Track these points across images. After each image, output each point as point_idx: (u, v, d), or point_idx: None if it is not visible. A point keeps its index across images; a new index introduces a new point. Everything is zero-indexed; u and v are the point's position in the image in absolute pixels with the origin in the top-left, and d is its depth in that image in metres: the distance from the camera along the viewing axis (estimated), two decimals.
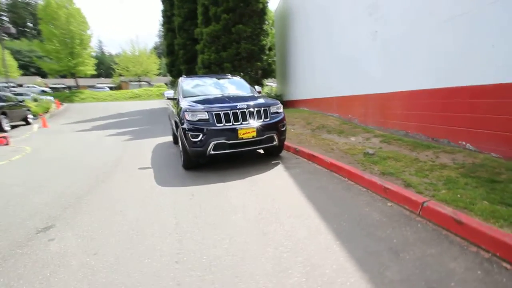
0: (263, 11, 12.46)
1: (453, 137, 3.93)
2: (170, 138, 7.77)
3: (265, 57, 13.03)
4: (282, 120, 4.32)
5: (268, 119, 4.14)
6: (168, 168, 4.59)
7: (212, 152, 3.89)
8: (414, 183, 2.88)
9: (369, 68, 6.04)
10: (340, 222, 2.32)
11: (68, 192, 3.58)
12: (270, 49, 13.48)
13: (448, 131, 4.02)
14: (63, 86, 38.16)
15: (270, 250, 1.96)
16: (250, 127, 3.92)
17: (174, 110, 5.36)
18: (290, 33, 13.17)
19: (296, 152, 4.90)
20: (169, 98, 5.12)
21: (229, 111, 3.90)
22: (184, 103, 4.36)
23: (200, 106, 4.00)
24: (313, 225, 2.31)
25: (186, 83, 5.38)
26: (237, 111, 3.93)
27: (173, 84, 18.94)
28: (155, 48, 49.27)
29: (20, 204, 3.28)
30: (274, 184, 3.47)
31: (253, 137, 3.96)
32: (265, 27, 12.71)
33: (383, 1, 5.43)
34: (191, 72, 16.15)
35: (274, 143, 4.25)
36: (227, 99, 4.44)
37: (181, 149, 4.53)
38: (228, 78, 6.02)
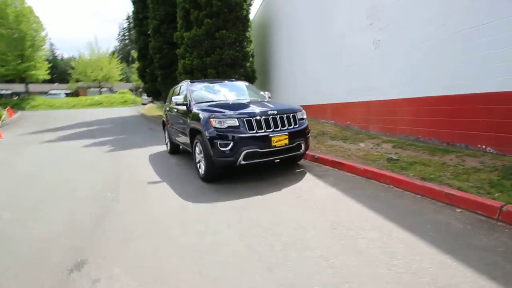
0: (246, 18, 12.38)
1: (471, 141, 4.13)
2: (160, 148, 7.18)
3: (248, 64, 12.90)
4: (307, 126, 4.17)
5: (297, 126, 3.95)
6: (181, 181, 4.13)
7: (243, 162, 3.57)
8: (463, 188, 2.90)
9: (371, 76, 6.21)
10: (428, 232, 2.20)
11: (78, 217, 2.98)
12: (252, 56, 13.41)
13: (465, 135, 4.22)
14: (9, 92, 33.87)
15: (384, 272, 1.75)
16: (282, 134, 3.69)
17: (179, 117, 4.92)
18: (271, 41, 13.27)
19: (315, 159, 4.76)
20: (178, 104, 4.65)
21: (260, 117, 3.63)
22: (203, 109, 3.98)
23: (228, 112, 3.66)
24: (403, 238, 2.15)
25: (195, 87, 4.97)
26: (268, 117, 3.68)
27: (140, 90, 17.85)
28: (117, 51, 46.35)
29: (23, 235, 2.63)
30: (319, 194, 3.26)
31: (285, 144, 3.73)
32: (248, 34, 12.62)
33: (394, 13, 5.65)
34: (167, 78, 15.40)
35: (301, 150, 4.07)
36: (248, 104, 4.16)
37: (197, 159, 4.12)
38: (235, 82, 5.72)
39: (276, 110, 3.78)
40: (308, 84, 9.35)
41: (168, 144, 6.39)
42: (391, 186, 3.33)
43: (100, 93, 39.15)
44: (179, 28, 12.98)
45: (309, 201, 3.05)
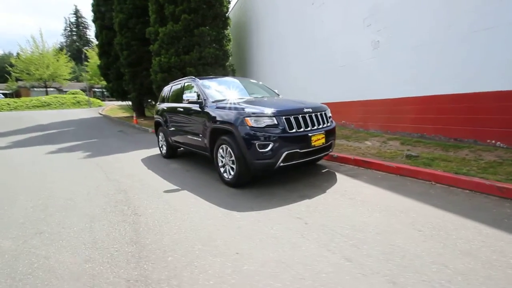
0: (226, 15, 12.01)
1: (480, 137, 4.40)
2: (149, 152, 6.54)
3: (227, 63, 12.52)
4: (335, 125, 4.05)
5: (329, 124, 3.80)
6: (203, 187, 3.70)
7: (282, 164, 3.29)
8: (501, 181, 3.02)
9: (370, 76, 6.36)
10: (510, 226, 2.19)
11: (106, 240, 2.42)
12: (231, 55, 13.04)
13: (473, 131, 4.49)
14: None
15: None
16: (320, 133, 3.50)
17: (188, 117, 4.46)
18: (250, 41, 13.04)
19: (334, 158, 4.67)
20: (191, 102, 4.18)
21: (298, 116, 3.39)
22: (230, 107, 3.61)
23: (266, 110, 3.34)
24: (496, 235, 2.09)
25: (207, 83, 4.53)
26: (305, 115, 3.46)
27: (93, 90, 16.26)
28: (65, 48, 41.87)
29: (47, 271, 2.02)
30: (368, 194, 3.13)
31: (322, 144, 3.55)
32: (226, 32, 12.26)
33: (394, 15, 5.82)
34: (137, 77, 14.25)
35: (330, 150, 3.94)
36: (277, 101, 3.90)
37: (221, 163, 3.73)
38: (243, 78, 5.37)
39: (310, 107, 3.58)
40: (292, 85, 9.34)
41: (164, 147, 5.78)
42: (433, 183, 3.35)
43: (47, 93, 34.93)
44: (152, 23, 12.09)
45: (366, 202, 2.89)
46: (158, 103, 6.24)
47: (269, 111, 3.30)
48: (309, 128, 3.42)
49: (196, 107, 4.25)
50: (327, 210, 2.73)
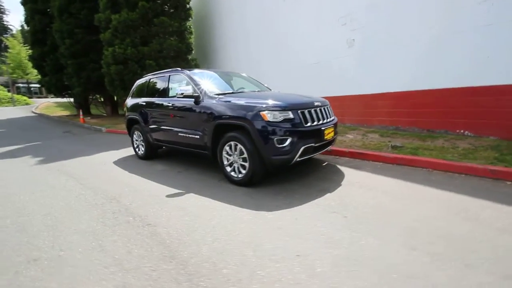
0: (188, 6, 11.34)
1: (450, 127, 4.97)
2: (117, 154, 5.88)
3: (190, 57, 11.90)
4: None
5: (334, 118, 3.84)
6: (210, 188, 3.40)
7: (298, 159, 3.21)
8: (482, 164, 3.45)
9: (345, 73, 6.68)
10: None
11: (122, 256, 2.02)
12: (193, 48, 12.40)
13: (444, 123, 5.05)
14: None
15: None
16: (331, 127, 3.51)
17: (180, 113, 4.07)
18: (212, 35, 12.54)
19: (329, 152, 4.76)
20: (186, 96, 3.77)
21: (311, 110, 3.33)
22: (237, 102, 3.37)
23: (281, 103, 3.19)
24: None
25: (198, 76, 4.15)
26: (316, 108, 3.42)
27: (16, 86, 14.09)
28: None
29: None
30: (383, 184, 3.24)
31: (332, 137, 3.57)
32: (188, 24, 11.62)
33: (368, 15, 6.15)
34: (82, 69, 12.57)
35: (333, 143, 4.00)
36: (282, 95, 3.78)
37: (227, 161, 3.48)
38: (231, 71, 5.08)
39: (318, 101, 3.56)
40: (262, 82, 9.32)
41: (141, 147, 5.19)
42: (430, 170, 3.65)
43: None
44: (102, 9, 10.79)
45: (387, 192, 2.97)
46: (130, 98, 5.56)
47: (284, 104, 3.18)
48: (321, 122, 3.40)
49: (190, 101, 3.87)
50: (356, 203, 2.74)
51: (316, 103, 3.46)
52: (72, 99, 15.42)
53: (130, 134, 5.50)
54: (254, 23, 9.71)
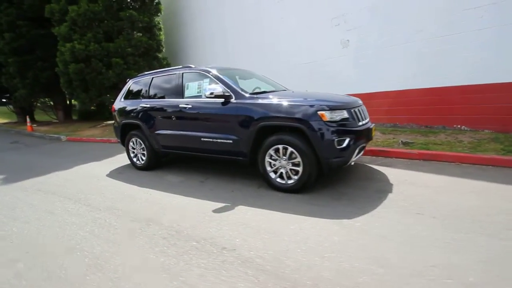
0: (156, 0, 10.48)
1: (448, 123, 5.37)
2: (103, 166, 5.08)
3: (160, 55, 11.03)
4: None
5: None
6: (253, 198, 3.05)
7: (353, 160, 3.07)
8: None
9: (340, 73, 6.80)
10: None
11: None
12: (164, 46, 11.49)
13: (441, 119, 5.44)
14: None
15: None
16: (373, 126, 3.44)
17: (203, 115, 3.62)
18: (185, 33, 11.78)
19: None
20: (217, 96, 3.32)
21: (358, 108, 3.21)
22: (285, 102, 3.08)
23: (333, 102, 2.99)
24: None
25: (222, 73, 3.72)
26: (360, 107, 3.31)
27: None
28: None
29: None
30: (430, 180, 3.27)
31: (373, 135, 3.52)
32: (157, 19, 10.76)
33: (365, 17, 6.32)
34: (28, 68, 10.71)
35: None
36: (319, 94, 3.59)
37: (270, 167, 3.18)
38: (243, 69, 4.69)
39: (359, 100, 3.47)
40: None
41: (142, 156, 4.51)
42: (458, 163, 3.83)
43: None
44: None
45: (441, 188, 2.98)
46: (121, 100, 4.80)
47: (339, 103, 3.00)
48: (366, 121, 3.32)
49: (217, 102, 3.44)
50: (428, 201, 2.69)
51: (359, 102, 3.37)
52: (10, 105, 13.02)
53: (125, 142, 4.73)
54: (233, 21, 9.35)
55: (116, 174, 4.54)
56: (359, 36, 6.34)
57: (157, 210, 2.92)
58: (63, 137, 8.97)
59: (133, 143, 4.60)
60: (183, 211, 2.85)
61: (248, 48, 8.89)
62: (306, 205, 2.79)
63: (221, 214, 2.71)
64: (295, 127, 2.95)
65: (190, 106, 3.72)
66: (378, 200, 2.78)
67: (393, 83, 5.96)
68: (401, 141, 4.89)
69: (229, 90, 3.40)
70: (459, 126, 5.27)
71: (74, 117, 13.73)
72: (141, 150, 4.51)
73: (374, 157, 4.50)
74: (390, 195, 2.90)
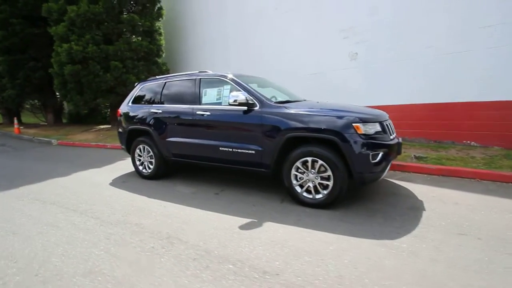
0: (159, 4, 10.34)
1: (457, 138, 5.39)
2: (103, 173, 4.79)
3: (160, 60, 10.82)
4: None
5: None
6: (278, 214, 2.86)
7: (384, 175, 2.95)
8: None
9: (347, 85, 6.78)
10: None
11: None
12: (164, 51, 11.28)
13: (451, 134, 5.46)
14: None
15: None
16: (401, 141, 3.35)
17: (223, 123, 3.44)
18: (184, 39, 11.61)
19: None
20: (241, 104, 3.15)
21: (387, 121, 3.12)
22: (317, 111, 2.94)
23: (366, 114, 2.88)
24: None
25: (243, 80, 3.56)
26: (389, 121, 3.22)
27: None
28: None
29: None
30: (455, 197, 3.19)
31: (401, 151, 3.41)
32: (159, 24, 10.60)
33: (373, 31, 6.37)
34: (18, 68, 10.21)
35: None
36: (345, 105, 3.47)
37: (300, 180, 3.00)
38: (261, 77, 4.54)
39: (386, 113, 3.37)
40: None
41: (149, 164, 4.25)
42: (478, 180, 3.78)
43: None
44: None
45: (480, 206, 2.89)
46: (129, 104, 4.54)
47: (372, 116, 2.89)
48: (395, 135, 3.22)
49: (239, 110, 3.27)
50: (464, 220, 2.57)
51: (387, 115, 3.28)
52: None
53: (130, 149, 4.45)
54: (235, 28, 9.29)
55: (119, 182, 4.24)
56: (368, 49, 6.37)
57: (176, 225, 2.67)
58: (54, 141, 8.50)
59: (140, 150, 4.33)
60: (206, 227, 2.62)
61: (250, 56, 8.81)
62: (339, 223, 2.62)
63: (250, 232, 2.49)
64: (327, 139, 2.80)
65: (208, 113, 3.52)
66: (415, 219, 2.65)
67: (402, 97, 5.98)
68: (414, 155, 4.83)
69: (253, 98, 3.23)
70: (468, 142, 5.29)
71: (64, 120, 13.14)
72: (149, 158, 4.24)
73: (391, 171, 4.40)
74: (424, 213, 2.77)
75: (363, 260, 1.99)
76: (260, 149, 3.16)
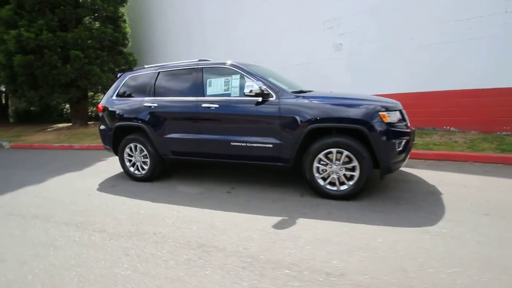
0: None
1: (438, 124, 5.77)
2: (84, 176, 4.27)
3: (126, 50, 9.92)
4: None
5: None
6: (310, 208, 2.75)
7: (404, 163, 2.98)
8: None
9: (331, 75, 6.85)
10: None
11: None
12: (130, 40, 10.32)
13: (432, 121, 5.82)
14: None
15: None
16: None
17: (234, 116, 3.20)
18: (153, 28, 10.73)
19: None
20: (258, 94, 2.91)
21: (403, 110, 3.15)
22: (336, 101, 2.85)
23: (388, 103, 2.86)
24: None
25: (254, 68, 3.32)
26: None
27: None
28: None
29: None
30: (463, 179, 3.37)
31: None
32: (123, 10, 9.67)
33: (358, 22, 6.44)
34: None
35: None
36: (356, 94, 3.43)
37: (324, 173, 2.91)
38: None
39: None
40: None
41: (143, 165, 3.82)
42: (471, 162, 4.06)
43: None
44: None
45: (485, 187, 3.08)
46: (113, 98, 4.01)
47: (393, 104, 2.89)
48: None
49: (254, 101, 3.04)
50: (481, 200, 2.69)
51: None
52: None
53: (118, 149, 3.95)
54: (213, 16, 8.83)
55: (108, 187, 3.75)
56: (352, 40, 6.47)
57: (203, 231, 2.40)
58: (5, 144, 7.32)
59: (131, 150, 3.86)
60: (237, 229, 2.39)
61: (230, 45, 8.45)
62: (371, 213, 2.58)
63: (288, 231, 2.33)
64: (354, 129, 2.73)
65: (216, 105, 3.22)
66: (438, 203, 2.72)
67: (386, 87, 6.19)
68: None
69: (268, 88, 3.02)
70: (448, 127, 5.69)
71: (11, 120, 11.44)
72: (142, 157, 3.81)
73: None
74: (443, 197, 2.86)
75: (417, 250, 1.96)
76: (278, 142, 2.98)
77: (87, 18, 8.40)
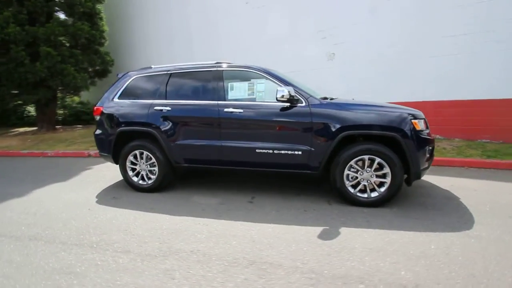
0: None
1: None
2: (77, 188, 3.88)
3: (102, 49, 9.24)
4: None
5: None
6: (343, 216, 2.70)
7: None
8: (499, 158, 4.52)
9: (324, 84, 6.99)
10: None
11: None
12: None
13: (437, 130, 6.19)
14: None
15: None
16: None
17: (267, 121, 3.06)
18: (131, 29, 10.15)
19: None
20: (288, 100, 2.81)
21: None
22: (368, 107, 2.87)
23: (415, 111, 2.95)
24: None
25: (276, 74, 3.22)
26: None
27: None
28: None
29: None
30: (467, 184, 3.58)
31: None
32: (100, 7, 9.04)
33: (349, 33, 6.68)
34: None
35: None
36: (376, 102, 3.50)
37: (354, 180, 2.89)
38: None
39: None
40: None
41: (151, 175, 3.49)
42: (466, 167, 4.36)
43: None
44: None
45: (494, 191, 3.30)
46: (115, 100, 3.63)
47: (419, 112, 2.98)
48: None
49: (281, 107, 2.94)
50: (499, 204, 2.87)
51: None
52: None
53: (119, 157, 3.55)
54: (199, 20, 8.61)
55: (110, 200, 3.35)
56: (346, 50, 6.70)
57: (246, 245, 2.21)
58: None
59: (135, 157, 3.50)
60: (283, 242, 2.24)
61: (217, 50, 8.27)
62: (407, 220, 2.60)
63: (337, 241, 2.24)
64: (387, 137, 2.75)
65: (241, 110, 3.05)
66: (460, 207, 2.84)
67: (376, 95, 6.47)
68: None
69: (297, 95, 2.94)
70: (434, 135, 6.08)
71: None
72: (149, 166, 3.47)
73: None
74: (462, 201, 2.99)
75: (473, 255, 1.99)
76: (308, 149, 2.91)
77: (60, 12, 7.63)
